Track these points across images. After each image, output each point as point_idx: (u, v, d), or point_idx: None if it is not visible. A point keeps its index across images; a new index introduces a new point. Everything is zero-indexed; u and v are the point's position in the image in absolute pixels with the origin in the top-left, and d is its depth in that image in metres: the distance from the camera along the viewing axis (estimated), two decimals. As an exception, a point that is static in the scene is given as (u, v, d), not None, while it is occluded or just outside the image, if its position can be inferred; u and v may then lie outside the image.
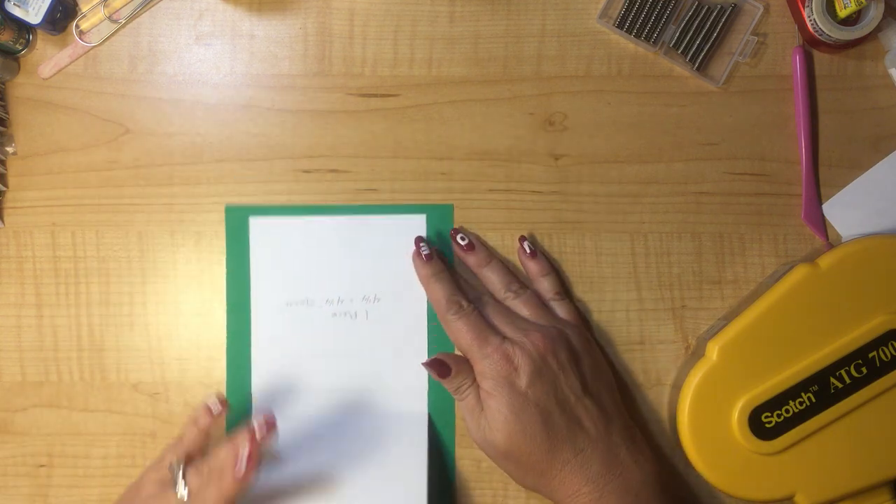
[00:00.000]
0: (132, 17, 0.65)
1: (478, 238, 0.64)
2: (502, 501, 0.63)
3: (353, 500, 0.61)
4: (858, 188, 0.64)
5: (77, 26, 0.65)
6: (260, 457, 0.55)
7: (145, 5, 0.65)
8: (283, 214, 0.64)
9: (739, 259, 0.64)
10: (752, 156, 0.65)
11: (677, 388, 0.61)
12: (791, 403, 0.58)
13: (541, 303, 0.62)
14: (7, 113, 0.65)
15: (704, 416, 0.59)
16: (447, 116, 0.65)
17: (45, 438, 0.64)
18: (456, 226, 0.64)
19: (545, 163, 0.65)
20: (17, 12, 0.63)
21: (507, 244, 0.64)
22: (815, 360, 0.58)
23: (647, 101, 0.65)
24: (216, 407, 0.60)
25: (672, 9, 0.64)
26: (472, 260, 0.63)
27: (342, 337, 0.63)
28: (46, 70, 0.65)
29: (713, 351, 0.59)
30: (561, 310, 0.62)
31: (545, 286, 0.63)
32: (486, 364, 0.58)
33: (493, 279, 0.63)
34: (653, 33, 0.64)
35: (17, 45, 0.64)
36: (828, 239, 0.64)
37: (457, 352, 0.62)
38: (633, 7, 0.64)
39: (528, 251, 0.63)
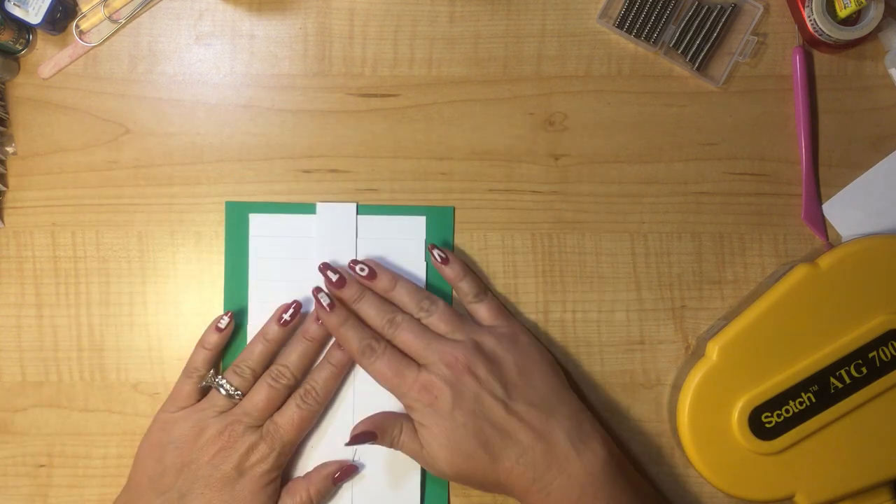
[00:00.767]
0: (132, 17, 0.65)
1: (377, 263, 0.62)
2: (503, 500, 0.63)
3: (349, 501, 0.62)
4: (858, 188, 0.64)
5: (77, 26, 0.65)
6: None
7: (145, 5, 0.65)
8: (284, 212, 0.64)
9: (739, 259, 0.64)
10: (752, 156, 0.65)
11: (677, 388, 0.61)
12: (791, 403, 0.58)
13: (454, 315, 0.61)
14: (7, 113, 0.65)
15: (704, 416, 0.59)
16: (447, 116, 0.65)
17: (45, 438, 0.64)
18: (456, 227, 0.64)
19: (545, 163, 0.65)
20: (17, 12, 0.63)
21: (507, 244, 0.64)
22: (815, 360, 0.58)
23: (647, 101, 0.65)
24: (224, 321, 0.61)
25: (672, 9, 0.64)
26: (377, 286, 0.61)
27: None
28: (46, 70, 0.65)
29: (713, 351, 0.59)
30: (482, 311, 0.62)
31: (464, 290, 0.62)
32: (409, 399, 0.58)
33: (403, 300, 0.61)
34: (653, 33, 0.64)
35: (17, 45, 0.64)
36: (828, 239, 0.64)
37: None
38: (633, 7, 0.64)
39: (439, 259, 0.62)
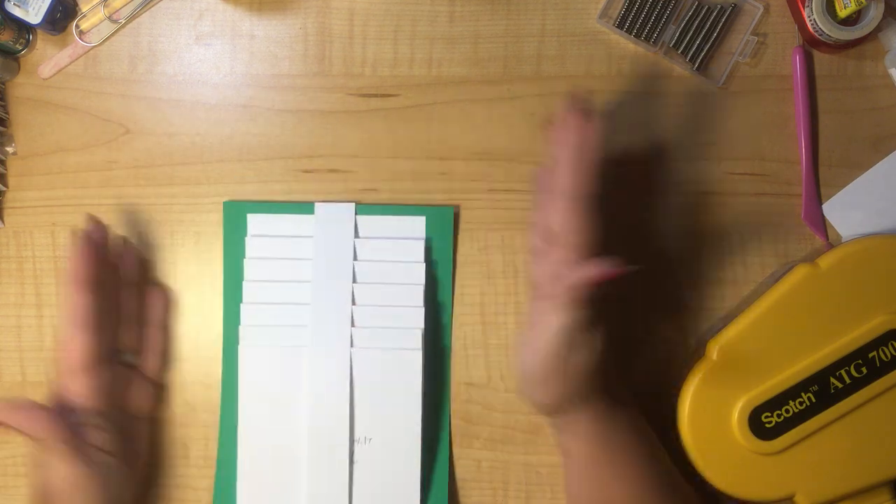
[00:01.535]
0: (132, 17, 0.65)
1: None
2: (502, 501, 0.63)
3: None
4: (858, 188, 0.64)
5: (77, 26, 0.65)
6: None
7: (145, 5, 0.65)
8: (282, 212, 0.64)
9: (739, 259, 0.64)
10: (752, 156, 0.65)
11: (677, 388, 0.61)
12: (791, 403, 0.58)
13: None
14: (7, 113, 0.65)
15: (704, 416, 0.59)
16: (447, 116, 0.65)
17: (45, 438, 0.64)
18: (456, 226, 0.64)
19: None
20: (17, 12, 0.63)
21: (507, 244, 0.64)
22: (815, 360, 0.58)
23: (647, 101, 0.65)
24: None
25: (672, 9, 0.64)
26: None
27: (336, 334, 0.63)
28: (46, 70, 0.65)
29: (713, 351, 0.59)
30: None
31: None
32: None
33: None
34: (653, 33, 0.64)
35: (17, 45, 0.64)
36: (828, 239, 0.64)
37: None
38: (633, 7, 0.64)
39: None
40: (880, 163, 0.64)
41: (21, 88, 0.65)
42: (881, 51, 0.65)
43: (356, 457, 0.62)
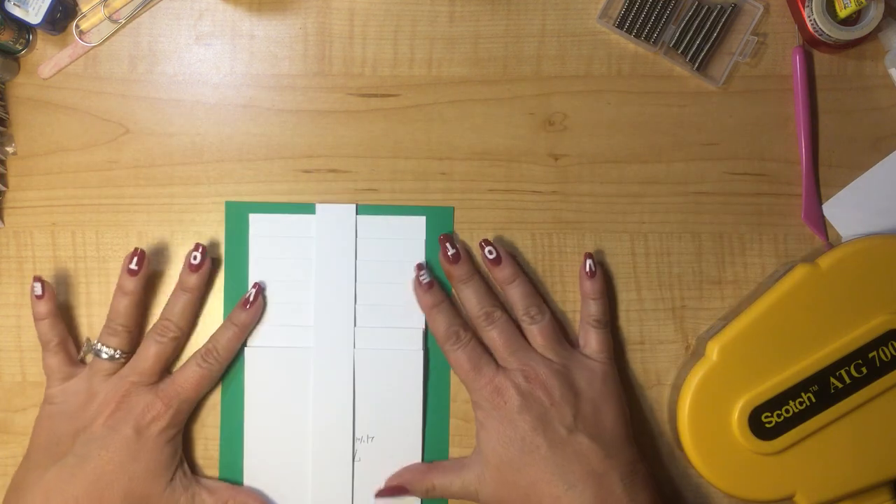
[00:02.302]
0: (132, 17, 0.65)
1: (507, 252, 0.62)
2: None
3: None
4: (858, 188, 0.64)
5: (77, 26, 0.65)
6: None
7: (145, 5, 0.65)
8: (283, 212, 0.64)
9: (739, 259, 0.64)
10: (752, 156, 0.65)
11: (677, 388, 0.61)
12: (791, 403, 0.58)
13: (555, 334, 0.61)
14: (7, 113, 0.65)
15: (704, 416, 0.59)
16: (447, 116, 0.65)
17: (45, 438, 0.64)
18: (456, 227, 0.64)
19: (545, 163, 0.65)
20: (17, 12, 0.63)
21: (507, 244, 0.64)
22: (815, 360, 0.58)
23: (647, 101, 0.65)
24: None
25: (672, 9, 0.64)
26: (497, 275, 0.61)
27: (339, 334, 0.63)
28: (46, 70, 0.65)
29: (713, 351, 0.59)
30: (593, 338, 0.61)
31: (591, 309, 0.62)
32: (479, 396, 0.59)
33: (515, 299, 0.61)
34: (653, 33, 0.64)
35: (17, 45, 0.64)
36: (828, 239, 0.64)
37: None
38: (633, 7, 0.64)
39: (588, 271, 0.62)
40: (880, 163, 0.64)
41: (21, 88, 0.65)
42: (881, 51, 0.65)
43: (358, 455, 0.62)
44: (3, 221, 0.65)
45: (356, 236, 0.64)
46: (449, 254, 0.61)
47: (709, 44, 0.64)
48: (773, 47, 0.65)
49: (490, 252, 0.61)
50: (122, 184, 0.65)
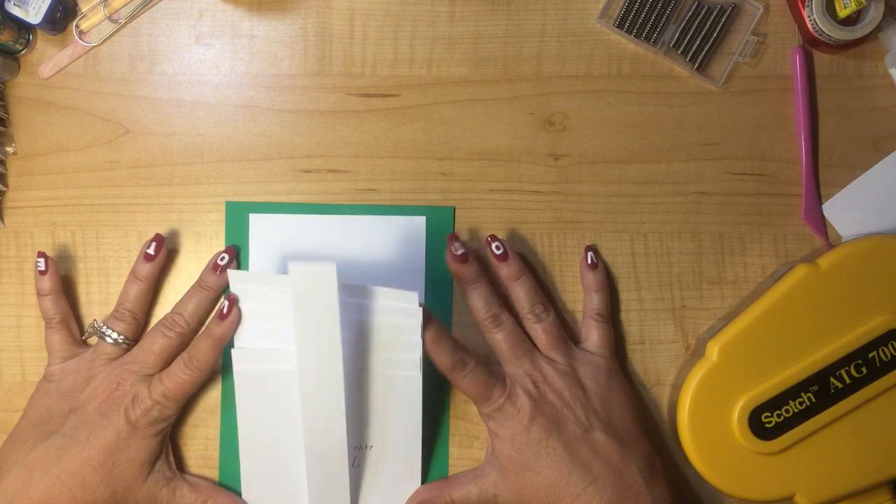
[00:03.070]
0: (132, 17, 0.65)
1: (512, 249, 0.62)
2: None
3: None
4: (858, 188, 0.64)
5: (77, 26, 0.65)
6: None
7: (145, 5, 0.65)
8: (284, 212, 0.64)
9: (739, 259, 0.64)
10: (752, 156, 0.65)
11: (677, 388, 0.61)
12: (791, 403, 0.58)
13: (559, 333, 0.61)
14: (7, 113, 0.65)
15: (704, 416, 0.59)
16: (447, 116, 0.65)
17: (45, 438, 0.64)
18: (456, 227, 0.64)
19: (545, 163, 0.65)
20: (17, 12, 0.63)
21: (512, 242, 0.64)
22: (815, 360, 0.58)
23: (647, 101, 0.65)
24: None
25: (672, 9, 0.64)
26: (504, 272, 0.61)
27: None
28: (46, 70, 0.65)
29: (713, 351, 0.59)
30: (595, 333, 0.61)
31: (593, 303, 0.62)
32: (489, 408, 0.59)
33: (520, 296, 0.61)
34: (653, 33, 0.64)
35: (17, 45, 0.64)
36: (828, 239, 0.64)
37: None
38: (633, 7, 0.64)
39: (590, 262, 0.62)
40: (880, 163, 0.64)
41: (21, 88, 0.65)
42: (881, 51, 0.65)
43: (358, 461, 0.62)
44: (3, 221, 0.65)
45: (356, 236, 0.64)
46: (458, 253, 0.60)
47: (709, 44, 0.64)
48: (773, 47, 0.65)
49: (497, 248, 0.61)
50: (122, 184, 0.65)
